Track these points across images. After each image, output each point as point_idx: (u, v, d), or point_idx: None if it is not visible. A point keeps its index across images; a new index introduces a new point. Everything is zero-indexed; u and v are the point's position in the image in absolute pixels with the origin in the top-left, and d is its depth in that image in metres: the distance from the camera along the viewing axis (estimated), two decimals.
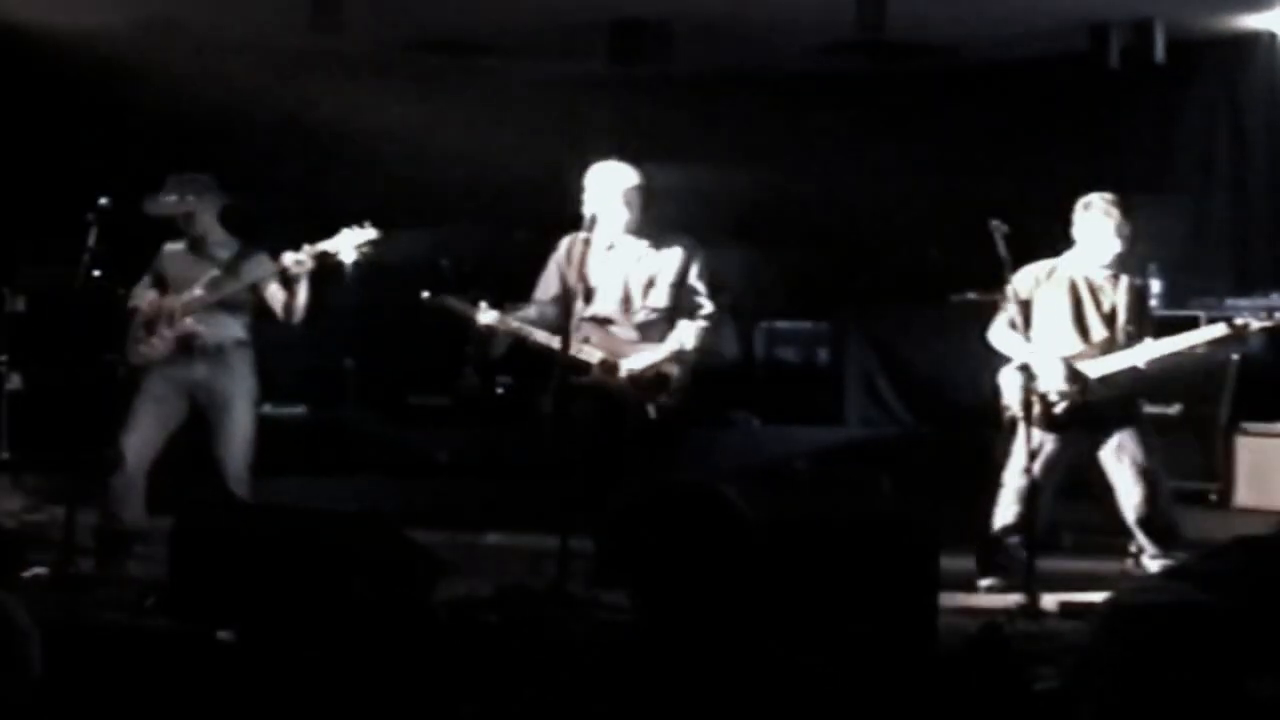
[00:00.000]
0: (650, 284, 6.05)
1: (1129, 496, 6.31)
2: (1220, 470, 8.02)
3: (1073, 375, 6.23)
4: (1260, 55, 9.22)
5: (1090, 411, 6.29)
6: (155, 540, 5.99)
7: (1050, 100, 9.74)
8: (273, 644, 4.60)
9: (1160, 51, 8.74)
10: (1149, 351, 6.25)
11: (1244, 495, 7.95)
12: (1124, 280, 6.37)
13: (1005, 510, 6.30)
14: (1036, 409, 6.17)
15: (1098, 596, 5.84)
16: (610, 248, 6.04)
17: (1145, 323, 6.42)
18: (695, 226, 6.43)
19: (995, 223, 5.99)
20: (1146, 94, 9.46)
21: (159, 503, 6.25)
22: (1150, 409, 6.71)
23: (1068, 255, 6.40)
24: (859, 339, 10.11)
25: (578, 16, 8.90)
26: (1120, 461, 6.29)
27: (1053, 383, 6.22)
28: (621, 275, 6.05)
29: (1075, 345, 6.31)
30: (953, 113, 10.03)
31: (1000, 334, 6.39)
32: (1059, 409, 6.24)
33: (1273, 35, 9.11)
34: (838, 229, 10.22)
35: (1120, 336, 6.32)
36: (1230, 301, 8.61)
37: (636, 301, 6.04)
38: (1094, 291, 6.35)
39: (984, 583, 6.27)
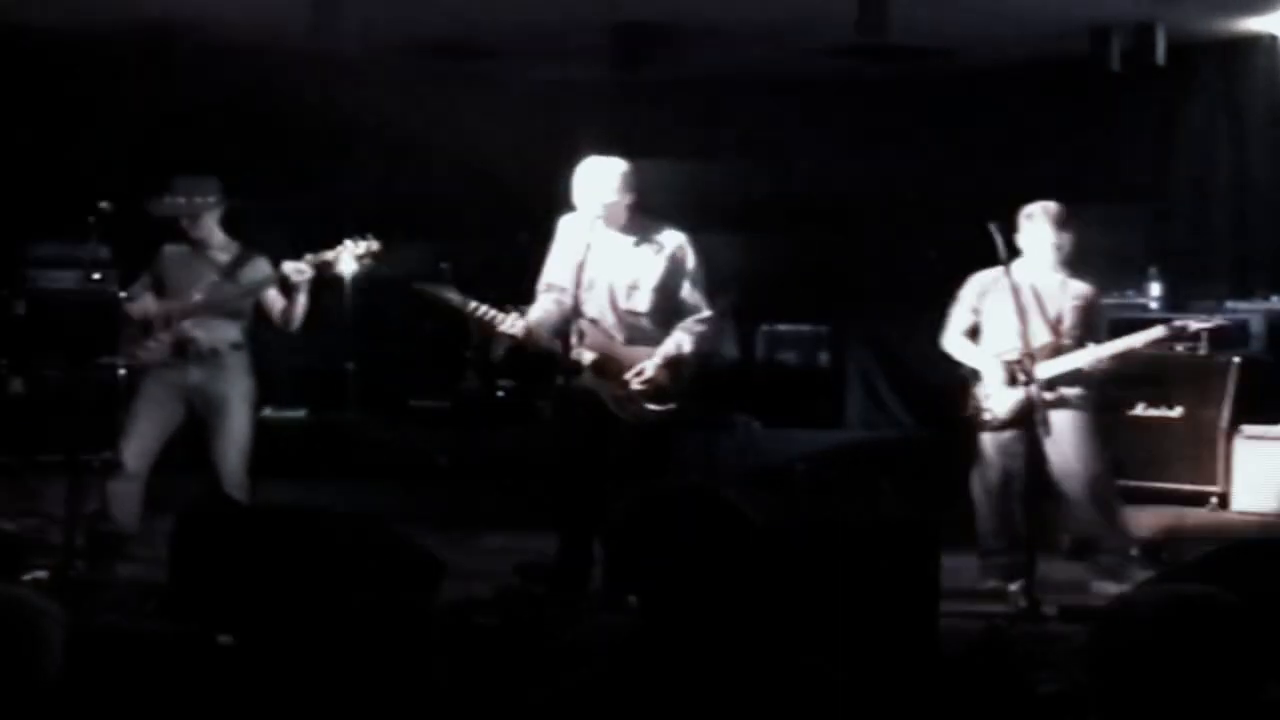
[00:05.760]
0: (642, 283, 5.94)
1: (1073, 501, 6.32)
2: (1220, 473, 8.01)
3: (1015, 377, 6.20)
4: (1261, 57, 9.22)
5: (1038, 413, 6.24)
6: (154, 543, 5.98)
7: (1051, 102, 9.74)
8: (272, 648, 4.59)
9: (1161, 54, 8.74)
10: (1091, 355, 6.24)
11: (1243, 498, 7.94)
12: (1072, 286, 6.37)
13: (987, 514, 6.31)
14: (989, 413, 6.21)
15: (1097, 599, 5.87)
16: (602, 245, 5.87)
17: (1094, 327, 6.39)
18: (694, 227, 6.37)
19: (995, 224, 6.00)
20: (1147, 96, 9.46)
21: (158, 505, 6.25)
22: (1151, 412, 6.70)
23: (1015, 263, 6.32)
24: (859, 341, 10.12)
25: (579, 20, 8.89)
26: (1064, 463, 6.27)
27: (997, 385, 6.24)
28: (613, 273, 5.91)
29: (1018, 349, 6.25)
30: (954, 115, 10.03)
31: (951, 340, 6.45)
32: (1006, 411, 6.23)
33: (1273, 37, 9.10)
34: (838, 231, 10.21)
35: (1065, 341, 6.31)
36: (1230, 304, 8.61)
37: (623, 300, 5.90)
38: (1039, 298, 6.32)
39: (984, 585, 6.26)
